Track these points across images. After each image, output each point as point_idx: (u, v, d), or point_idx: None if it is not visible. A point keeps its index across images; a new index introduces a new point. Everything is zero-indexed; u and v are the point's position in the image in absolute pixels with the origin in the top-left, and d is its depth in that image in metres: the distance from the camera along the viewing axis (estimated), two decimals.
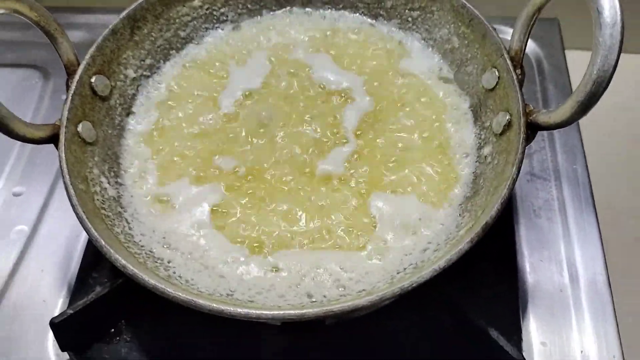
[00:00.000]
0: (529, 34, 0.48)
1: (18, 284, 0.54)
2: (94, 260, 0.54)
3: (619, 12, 0.38)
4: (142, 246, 0.46)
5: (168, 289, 0.39)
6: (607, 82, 0.39)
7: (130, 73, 0.54)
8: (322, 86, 0.56)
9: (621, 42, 0.38)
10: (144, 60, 0.56)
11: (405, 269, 0.45)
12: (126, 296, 0.49)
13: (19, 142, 0.62)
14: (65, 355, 0.49)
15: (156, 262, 0.45)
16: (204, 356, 0.49)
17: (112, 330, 0.50)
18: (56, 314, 0.50)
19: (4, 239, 0.56)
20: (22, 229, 0.57)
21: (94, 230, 0.41)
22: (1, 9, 0.44)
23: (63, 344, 0.49)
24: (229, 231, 0.48)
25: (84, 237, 0.56)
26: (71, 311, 0.48)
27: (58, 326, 0.47)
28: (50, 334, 0.50)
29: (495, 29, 0.51)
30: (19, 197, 0.60)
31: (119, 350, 0.49)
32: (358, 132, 0.53)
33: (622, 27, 0.38)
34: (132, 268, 0.40)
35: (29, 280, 0.54)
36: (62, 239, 0.56)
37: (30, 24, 0.73)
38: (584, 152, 0.60)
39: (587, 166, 0.59)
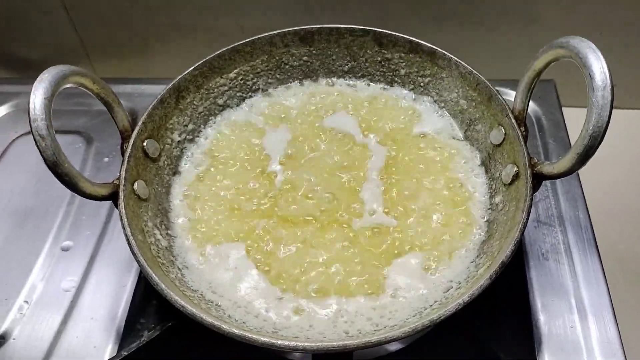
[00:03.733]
0: (530, 96, 0.53)
1: (70, 331, 0.58)
2: (141, 307, 0.58)
3: (608, 77, 0.44)
4: (194, 290, 0.51)
5: (224, 326, 0.43)
6: (601, 136, 0.45)
7: (176, 137, 0.61)
8: (346, 142, 0.62)
9: (612, 101, 0.44)
10: (186, 126, 0.62)
11: (431, 305, 0.49)
12: (174, 339, 0.54)
13: (66, 201, 0.69)
14: None
15: (208, 304, 0.50)
16: None
17: None
18: (106, 358, 0.54)
19: (56, 289, 0.61)
20: (72, 280, 0.62)
21: (154, 276, 0.46)
22: (71, 84, 0.50)
23: None
24: (268, 280, 0.52)
25: (129, 286, 0.61)
26: (125, 353, 0.52)
27: None
28: None
29: (498, 91, 0.57)
30: (67, 251, 0.65)
31: None
32: (380, 184, 0.58)
33: (612, 89, 0.44)
34: (190, 308, 0.44)
35: (80, 328, 0.58)
36: (109, 289, 0.61)
37: (72, 94, 0.80)
38: (584, 199, 0.65)
39: (588, 212, 0.64)
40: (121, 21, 0.89)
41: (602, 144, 0.45)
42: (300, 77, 0.67)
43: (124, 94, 0.79)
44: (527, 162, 0.51)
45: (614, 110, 0.44)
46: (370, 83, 0.66)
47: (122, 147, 0.55)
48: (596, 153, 0.46)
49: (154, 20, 0.87)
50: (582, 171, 0.67)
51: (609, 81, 0.44)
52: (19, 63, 0.96)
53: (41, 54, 0.94)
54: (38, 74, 0.48)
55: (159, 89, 0.60)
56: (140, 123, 0.56)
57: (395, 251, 0.54)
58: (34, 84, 0.47)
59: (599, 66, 0.44)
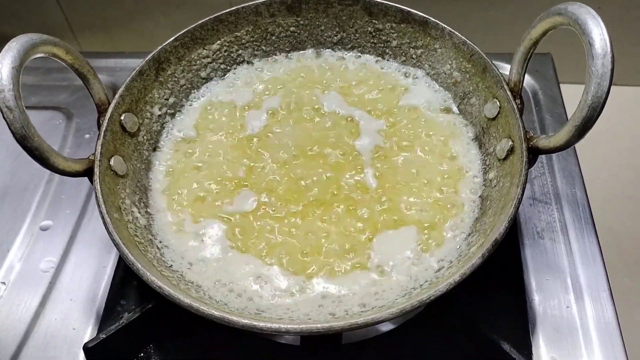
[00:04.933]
0: (526, 67, 0.51)
1: (49, 313, 0.56)
2: (121, 289, 0.56)
3: (608, 44, 0.42)
4: (173, 270, 0.49)
5: (202, 307, 0.41)
6: (600, 107, 0.43)
7: (156, 111, 0.58)
8: (334, 117, 0.60)
9: (612, 70, 0.42)
10: (167, 99, 0.59)
11: (421, 285, 0.47)
12: (154, 321, 0.52)
13: (45, 180, 0.67)
14: None
15: (187, 284, 0.48)
16: None
17: (142, 354, 0.52)
18: (86, 340, 0.52)
19: (34, 270, 0.59)
20: (51, 260, 0.60)
21: (130, 255, 0.44)
22: (41, 53, 0.48)
23: None
24: (252, 257, 0.50)
25: (110, 267, 0.59)
26: (104, 336, 0.50)
27: (91, 350, 0.50)
28: None
29: (493, 63, 0.55)
30: (46, 231, 0.62)
31: None
32: (371, 160, 0.56)
33: (612, 57, 0.42)
34: (167, 289, 0.42)
35: (59, 309, 0.56)
36: (89, 270, 0.59)
37: (51, 69, 0.78)
38: (582, 176, 0.63)
39: (585, 189, 0.62)
40: None
41: (600, 120, 0.43)
42: (287, 49, 0.64)
43: (106, 68, 0.76)
44: (522, 136, 0.49)
45: (612, 87, 0.42)
46: (361, 55, 0.64)
47: (98, 121, 0.53)
48: (594, 130, 0.44)
49: None
50: (580, 148, 0.65)
51: (609, 49, 0.42)
52: (0, 39, 0.93)
53: (25, 29, 0.91)
54: None
55: None
56: (117, 96, 0.54)
57: (385, 228, 0.52)
58: (1, 53, 0.45)
59: (598, 33, 0.42)
